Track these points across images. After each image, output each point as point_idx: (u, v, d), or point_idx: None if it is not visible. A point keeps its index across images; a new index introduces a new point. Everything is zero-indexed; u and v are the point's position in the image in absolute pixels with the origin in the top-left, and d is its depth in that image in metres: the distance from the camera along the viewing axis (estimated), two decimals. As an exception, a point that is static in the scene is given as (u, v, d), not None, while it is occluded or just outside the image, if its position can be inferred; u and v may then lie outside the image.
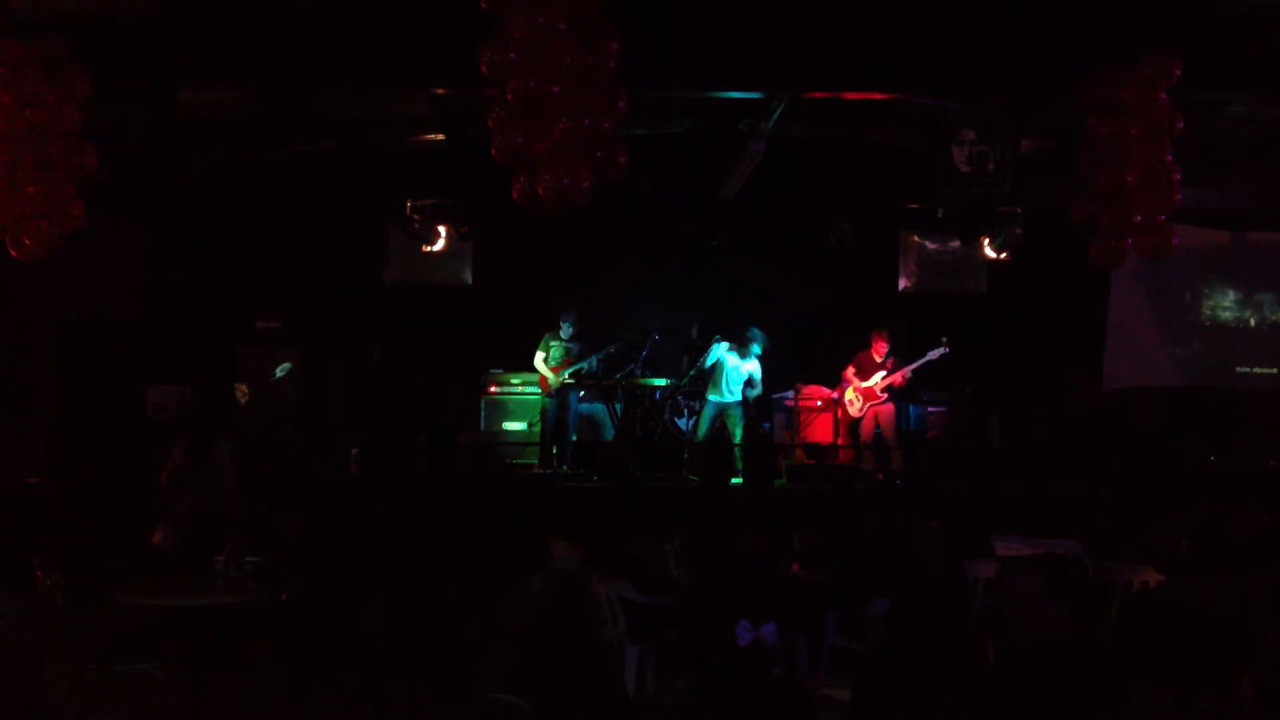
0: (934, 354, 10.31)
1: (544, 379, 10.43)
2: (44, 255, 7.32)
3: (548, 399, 10.42)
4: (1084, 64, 7.50)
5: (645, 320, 10.97)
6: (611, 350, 10.54)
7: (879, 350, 10.44)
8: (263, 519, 7.19)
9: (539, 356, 10.45)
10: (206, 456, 7.10)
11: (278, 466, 8.97)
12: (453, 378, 11.30)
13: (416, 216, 10.63)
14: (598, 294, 11.80)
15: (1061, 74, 7.64)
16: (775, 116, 8.61)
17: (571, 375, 10.34)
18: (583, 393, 10.80)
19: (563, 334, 10.37)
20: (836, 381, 10.79)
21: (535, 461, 10.40)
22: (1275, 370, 11.50)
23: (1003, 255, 11.11)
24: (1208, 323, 11.52)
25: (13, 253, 7.30)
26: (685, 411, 10.79)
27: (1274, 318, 11.55)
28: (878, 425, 10.48)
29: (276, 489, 7.99)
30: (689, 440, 10.46)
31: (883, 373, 10.38)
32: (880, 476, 10.07)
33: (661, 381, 10.67)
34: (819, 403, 10.94)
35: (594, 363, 10.48)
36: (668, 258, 11.81)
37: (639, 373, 10.67)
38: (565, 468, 10.21)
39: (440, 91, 8.39)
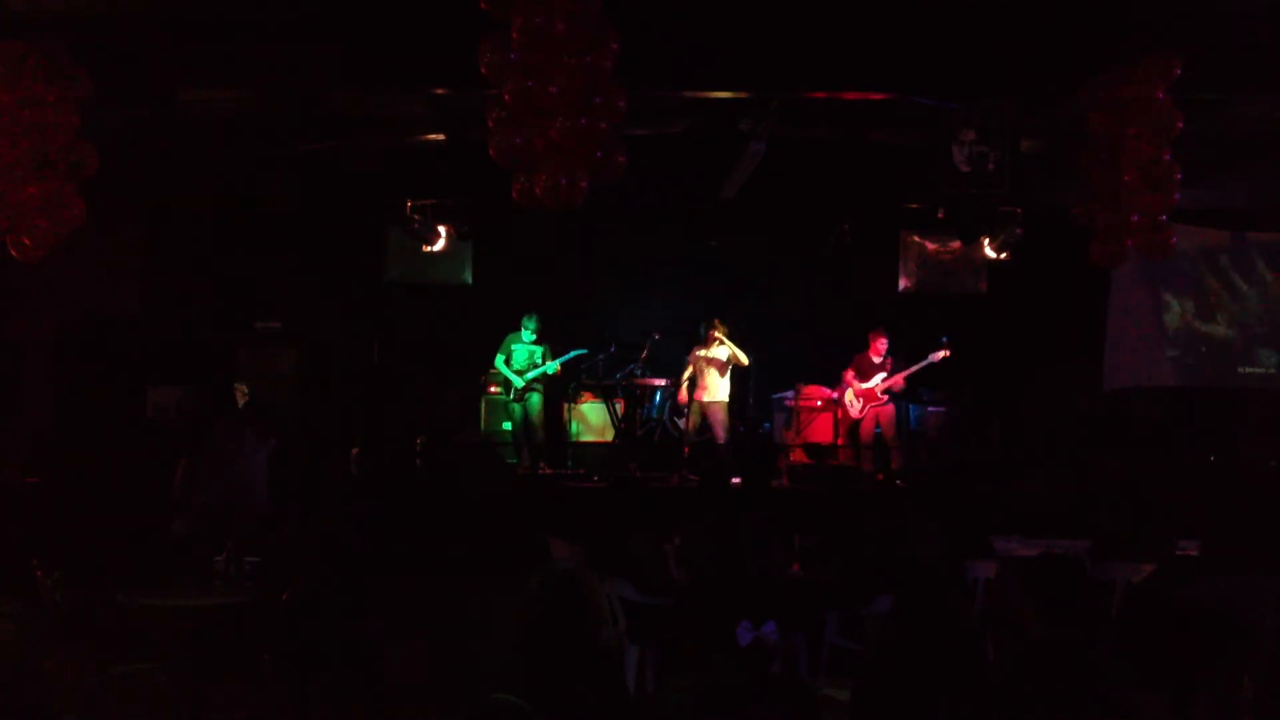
0: (935, 356, 10.28)
1: (507, 381, 10.39)
2: (44, 255, 7.32)
3: (514, 403, 10.35)
4: (1084, 64, 7.50)
5: (650, 321, 10.99)
6: (583, 353, 10.50)
7: (877, 350, 10.41)
8: (263, 519, 7.20)
9: (499, 359, 10.40)
10: (217, 456, 7.12)
11: (277, 466, 8.97)
12: (453, 378, 11.29)
13: (416, 216, 10.63)
14: (597, 294, 11.81)
15: (1062, 74, 7.64)
16: (775, 116, 8.62)
17: (535, 380, 10.28)
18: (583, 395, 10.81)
19: (524, 336, 10.31)
20: (836, 382, 10.78)
21: (518, 461, 10.40)
22: (1275, 370, 11.50)
23: (1003, 255, 11.11)
24: (1207, 322, 11.51)
25: (13, 253, 7.31)
26: (686, 411, 10.78)
27: (1273, 317, 11.54)
28: (878, 426, 10.47)
29: (276, 489, 7.98)
30: (689, 440, 10.45)
31: (882, 374, 10.36)
32: (880, 477, 10.06)
33: (662, 381, 10.66)
34: (819, 403, 10.93)
35: (556, 365, 10.38)
36: (668, 258, 11.81)
37: (639, 373, 10.67)
38: (541, 468, 10.20)
39: (440, 91, 8.39)
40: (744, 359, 10.05)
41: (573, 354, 10.38)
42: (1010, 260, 11.12)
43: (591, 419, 11.02)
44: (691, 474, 9.66)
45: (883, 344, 10.39)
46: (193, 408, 10.39)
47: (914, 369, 10.32)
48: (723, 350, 10.04)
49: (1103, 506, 7.93)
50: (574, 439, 10.95)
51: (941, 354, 10.27)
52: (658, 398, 10.82)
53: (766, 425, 11.29)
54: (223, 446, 7.19)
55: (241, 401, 10.21)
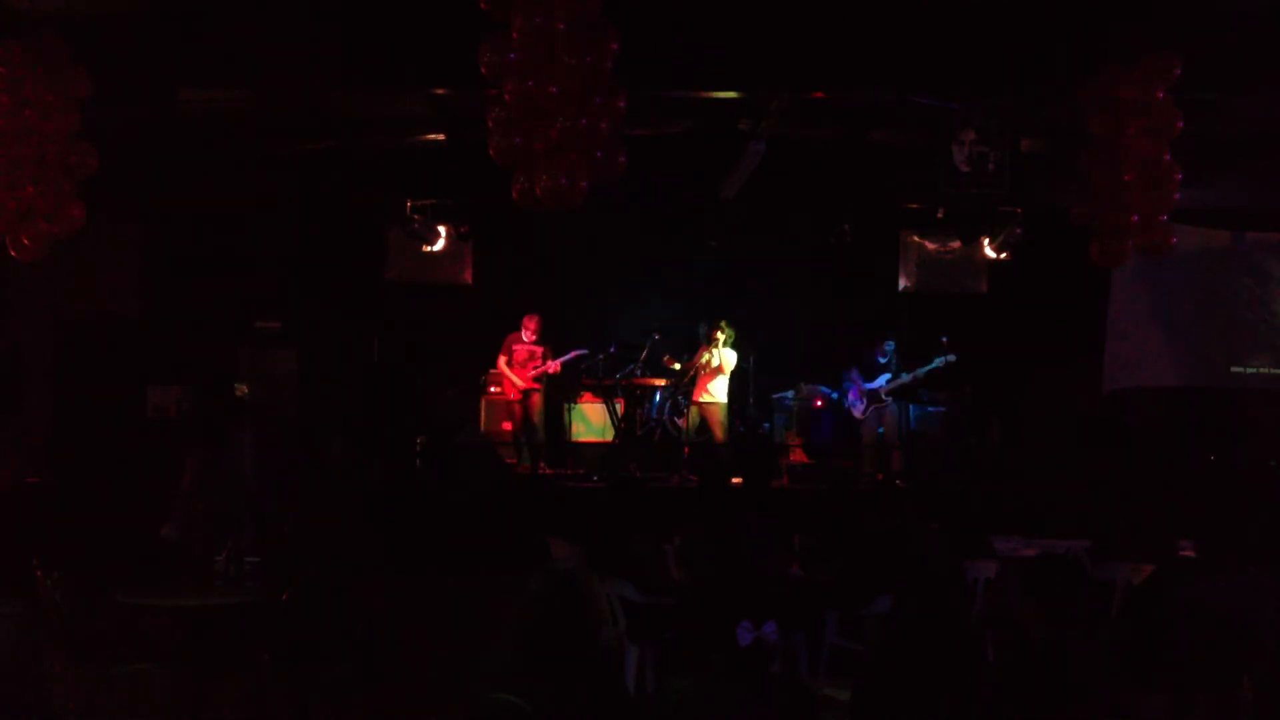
0: (940, 362, 10.25)
1: (508, 382, 10.41)
2: (44, 255, 7.32)
3: (514, 401, 10.39)
4: (1084, 64, 7.50)
5: (650, 321, 11.01)
6: (582, 353, 10.52)
7: (883, 352, 10.42)
8: (265, 518, 7.20)
9: (501, 360, 10.43)
10: (223, 457, 7.13)
11: (277, 467, 8.98)
12: (453, 378, 11.30)
13: (416, 216, 10.64)
14: (597, 294, 11.81)
15: (1062, 74, 7.64)
16: (776, 116, 8.62)
17: (537, 379, 10.32)
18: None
19: (524, 337, 10.34)
20: (837, 381, 10.78)
21: (519, 461, 10.42)
22: (1275, 370, 11.49)
23: (1003, 255, 11.11)
24: (1207, 323, 11.50)
25: (13, 253, 7.30)
26: (685, 411, 10.79)
27: (1274, 317, 11.54)
28: (880, 426, 10.46)
29: (276, 489, 7.99)
30: (689, 440, 10.45)
31: (887, 375, 10.36)
32: (880, 477, 10.06)
33: (662, 381, 10.67)
34: (819, 403, 10.93)
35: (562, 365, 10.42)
36: (668, 258, 11.81)
37: (639, 373, 10.67)
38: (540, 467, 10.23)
39: (440, 91, 8.39)
40: (727, 368, 10.07)
41: (567, 354, 10.42)
42: (1010, 260, 11.12)
43: (591, 419, 11.02)
44: (691, 474, 9.67)
45: (886, 346, 10.42)
46: (194, 408, 10.38)
47: (921, 372, 10.29)
48: (714, 356, 10.05)
49: (1103, 506, 7.94)
50: (573, 439, 10.95)
51: (946, 359, 10.22)
52: (658, 398, 10.82)
53: (766, 425, 11.29)
54: (220, 449, 7.20)
55: (240, 402, 10.21)
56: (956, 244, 11.57)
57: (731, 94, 8.47)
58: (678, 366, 10.52)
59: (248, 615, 5.52)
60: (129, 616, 5.44)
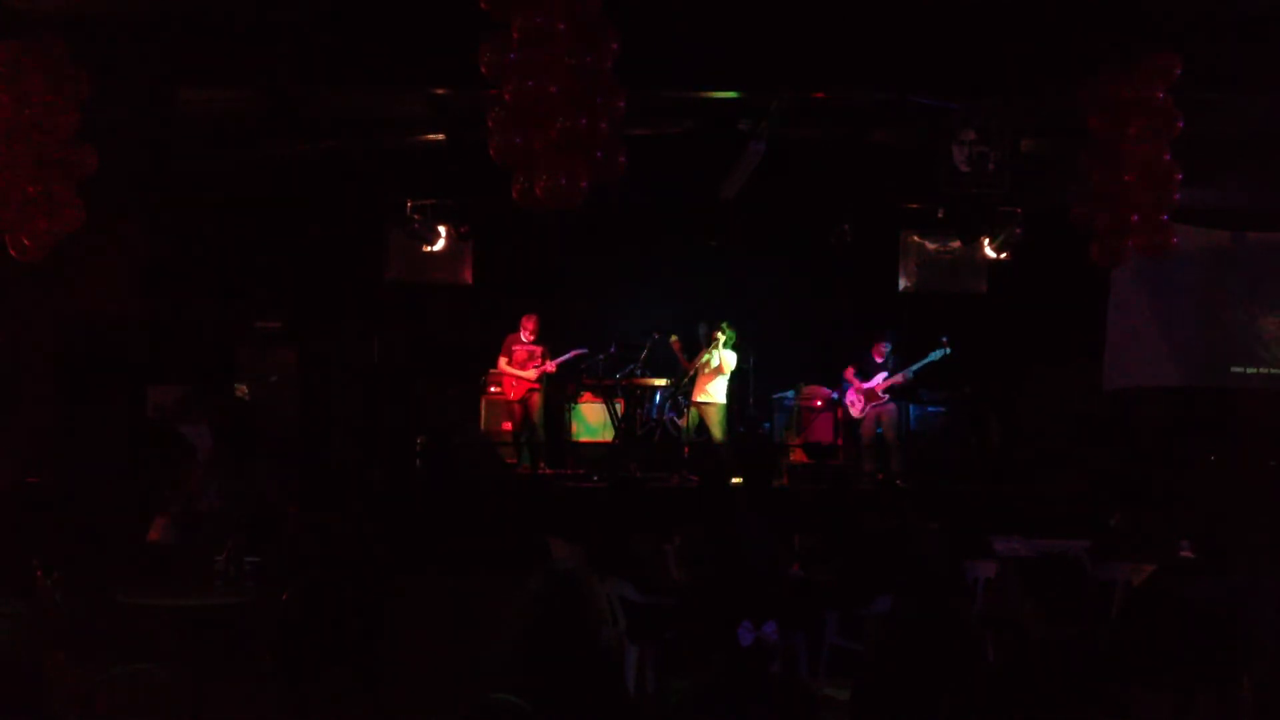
0: (935, 355, 10.29)
1: (509, 382, 10.42)
2: (44, 255, 7.32)
3: (514, 401, 10.41)
4: (1084, 64, 7.50)
5: (650, 321, 11.01)
6: (582, 353, 10.53)
7: (879, 352, 10.45)
8: (266, 518, 7.20)
9: (502, 360, 10.44)
10: (223, 457, 7.13)
11: (277, 466, 8.98)
12: (453, 378, 11.30)
13: (416, 216, 10.64)
14: (597, 294, 11.81)
15: (1062, 74, 7.64)
16: (776, 117, 8.62)
17: (538, 379, 10.33)
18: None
19: (523, 337, 10.35)
20: (837, 381, 10.79)
21: (519, 461, 10.43)
22: (1275, 370, 11.48)
23: (1003, 255, 11.12)
24: (1207, 323, 11.49)
25: (13, 253, 7.30)
26: (685, 411, 10.80)
27: (1274, 318, 11.53)
28: (878, 426, 10.47)
29: (276, 489, 7.99)
30: (689, 440, 10.45)
31: (884, 373, 10.38)
32: (880, 477, 10.07)
33: (662, 381, 10.67)
34: (819, 403, 10.94)
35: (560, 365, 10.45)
36: (668, 258, 11.81)
37: (639, 373, 10.67)
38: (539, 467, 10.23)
39: (440, 91, 8.40)
40: (727, 368, 10.08)
41: (566, 354, 10.43)
42: (1010, 260, 11.12)
43: (591, 419, 11.02)
44: (691, 474, 9.67)
45: (884, 348, 10.44)
46: (194, 409, 10.39)
47: (914, 367, 10.32)
48: (714, 357, 10.05)
49: (1103, 506, 7.95)
50: (574, 439, 10.95)
51: (942, 352, 10.27)
52: (658, 398, 10.83)
53: (766, 425, 11.30)
54: (221, 449, 7.22)
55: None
56: (956, 244, 11.56)
57: (731, 94, 8.47)
58: (688, 357, 10.51)
59: (248, 615, 5.51)
60: (129, 616, 5.43)
